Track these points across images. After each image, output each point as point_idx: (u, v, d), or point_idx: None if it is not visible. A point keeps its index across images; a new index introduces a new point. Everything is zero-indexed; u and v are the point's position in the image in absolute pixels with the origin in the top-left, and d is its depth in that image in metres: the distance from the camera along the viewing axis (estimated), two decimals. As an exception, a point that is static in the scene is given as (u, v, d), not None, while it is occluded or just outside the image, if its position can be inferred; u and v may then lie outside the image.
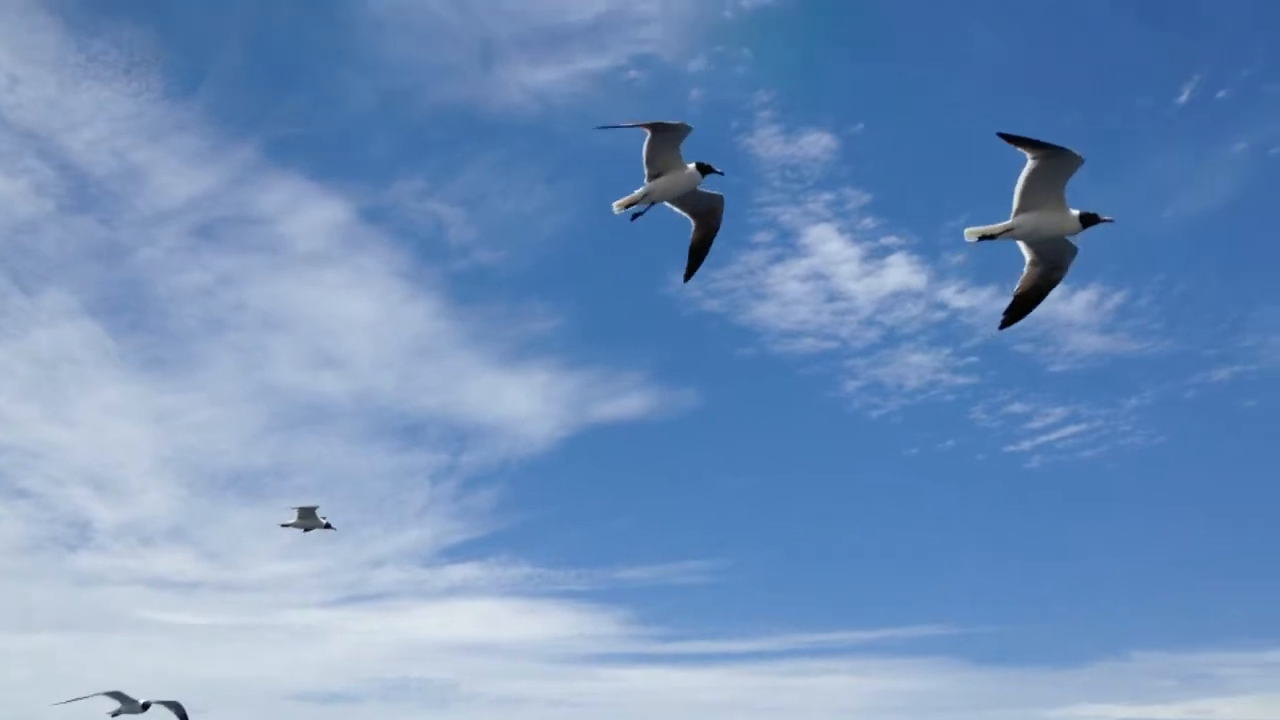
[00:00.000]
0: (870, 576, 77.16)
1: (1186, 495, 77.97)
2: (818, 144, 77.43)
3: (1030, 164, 13.85)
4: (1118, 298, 76.57)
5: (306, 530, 30.56)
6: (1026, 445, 77.27)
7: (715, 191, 15.76)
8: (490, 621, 78.22)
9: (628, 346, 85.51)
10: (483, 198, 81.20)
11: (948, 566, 76.41)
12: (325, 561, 79.15)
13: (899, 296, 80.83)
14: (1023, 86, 79.64)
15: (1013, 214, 14.27)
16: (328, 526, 30.17)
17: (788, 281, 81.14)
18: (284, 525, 30.38)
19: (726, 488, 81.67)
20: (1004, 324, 15.45)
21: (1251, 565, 74.09)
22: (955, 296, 79.22)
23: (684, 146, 15.00)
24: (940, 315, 79.19)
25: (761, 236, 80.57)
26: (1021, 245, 14.89)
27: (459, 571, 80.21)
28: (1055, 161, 13.70)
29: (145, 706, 29.73)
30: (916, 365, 79.60)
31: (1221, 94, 77.30)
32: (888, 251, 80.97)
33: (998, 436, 77.65)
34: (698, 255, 16.12)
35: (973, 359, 78.88)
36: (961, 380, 78.80)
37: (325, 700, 74.10)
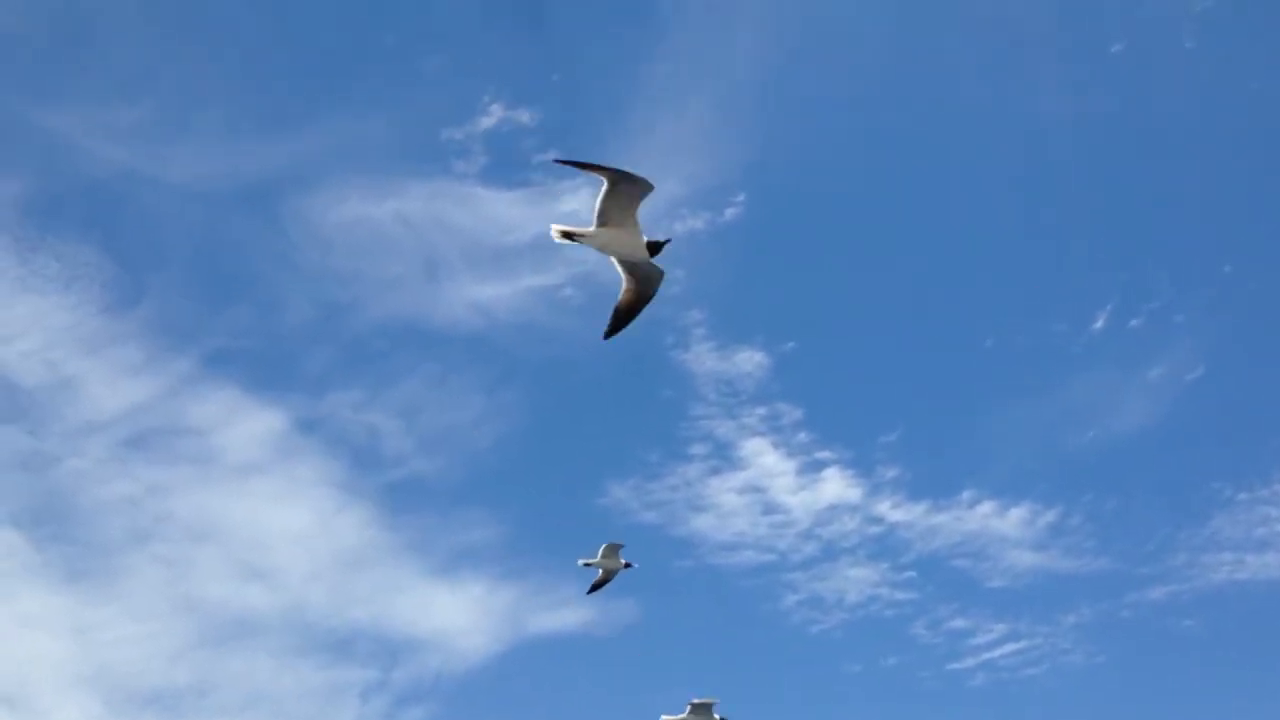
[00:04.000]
0: None
1: (1132, 715, 75.93)
2: (750, 360, 78.57)
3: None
4: (1050, 515, 76.41)
5: (606, 577, 29.23)
6: (970, 662, 74.91)
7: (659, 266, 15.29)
8: None
9: (565, 557, 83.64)
10: (420, 408, 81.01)
11: None
12: None
13: (835, 510, 79.97)
14: (942, 308, 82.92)
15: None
16: (628, 566, 29.37)
17: (725, 494, 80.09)
18: (585, 563, 29.21)
19: (666, 703, 78.72)
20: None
21: None
22: (890, 510, 78.45)
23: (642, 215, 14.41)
24: (877, 529, 78.30)
25: (698, 449, 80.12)
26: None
27: None
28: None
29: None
30: (856, 579, 77.91)
31: (1134, 322, 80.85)
32: (822, 465, 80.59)
33: (940, 653, 75.24)
34: (623, 319, 15.55)
35: (911, 573, 77.39)
36: (901, 595, 76.81)
37: None
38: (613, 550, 28.74)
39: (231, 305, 78.93)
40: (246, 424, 76.62)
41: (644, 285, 15.13)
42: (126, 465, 76.17)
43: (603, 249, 14.66)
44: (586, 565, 29.06)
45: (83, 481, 74.83)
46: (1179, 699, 79.48)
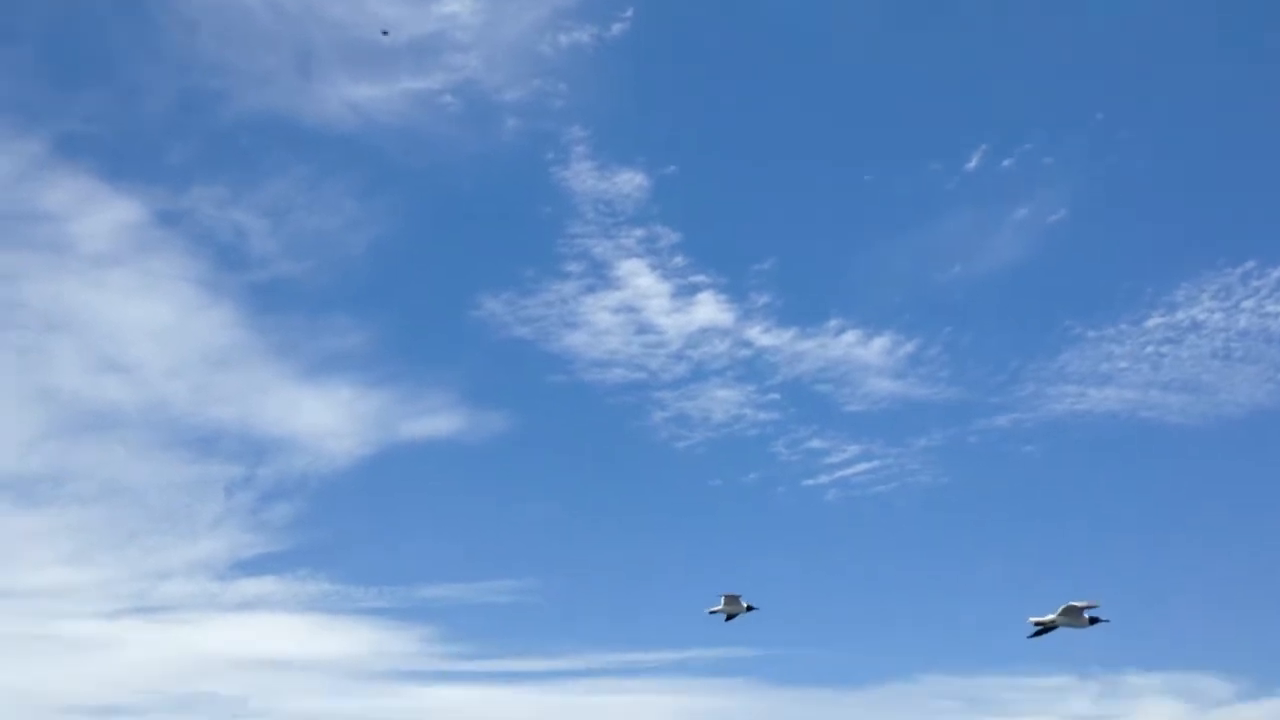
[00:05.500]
0: (674, 600, 77.73)
1: (971, 532, 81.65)
2: (631, 182, 79.71)
3: None
4: (910, 346, 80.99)
5: (729, 617, 33.14)
6: (824, 479, 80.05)
7: None
8: (286, 636, 74.71)
9: (436, 367, 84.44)
10: (288, 209, 79.24)
11: (751, 591, 77.07)
12: (106, 571, 74.31)
13: (707, 333, 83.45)
14: (823, 146, 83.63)
15: None
16: (750, 609, 32.76)
17: (599, 312, 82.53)
18: (713, 611, 32.62)
19: (534, 511, 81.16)
20: None
21: (1026, 599, 77.62)
22: (760, 335, 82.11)
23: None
24: (746, 353, 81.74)
25: (573, 267, 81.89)
26: None
27: (254, 585, 76.91)
28: None
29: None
30: (722, 399, 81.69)
31: (1006, 163, 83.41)
32: (696, 289, 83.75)
33: (797, 470, 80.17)
34: None
35: (775, 395, 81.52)
36: (764, 416, 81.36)
37: (103, 713, 69.07)
38: (733, 599, 32.55)
39: (87, 88, 73.29)
40: (102, 213, 72.47)
41: None
42: (-25, 248, 71.97)
43: None
44: (714, 613, 32.46)
45: (-71, 265, 70.68)
46: (1016, 517, 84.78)
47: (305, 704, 70.80)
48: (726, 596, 31.79)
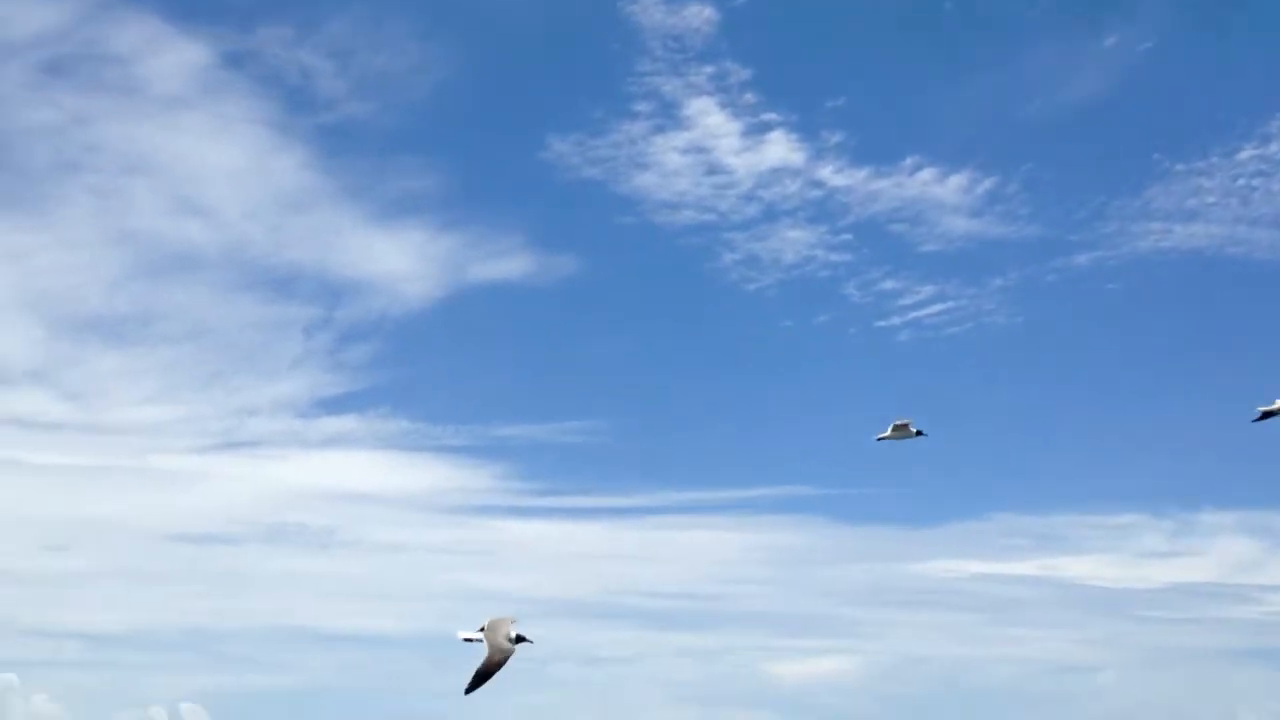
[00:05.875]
0: (743, 440, 79.13)
1: (1045, 372, 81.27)
2: (700, 15, 77.55)
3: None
4: (988, 183, 79.12)
5: (900, 437, 31.10)
6: (897, 321, 79.76)
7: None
8: (368, 472, 78.43)
9: (504, 210, 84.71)
10: (353, 50, 78.96)
11: (818, 432, 78.37)
12: (194, 409, 77.87)
13: (778, 173, 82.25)
14: None
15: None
16: (920, 434, 30.73)
17: (668, 153, 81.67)
18: (880, 438, 30.72)
19: (604, 353, 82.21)
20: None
21: (1101, 437, 77.89)
22: (833, 175, 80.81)
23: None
24: (817, 193, 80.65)
25: (642, 106, 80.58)
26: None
27: (335, 423, 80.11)
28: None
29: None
30: (793, 240, 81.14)
31: None
32: (767, 128, 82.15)
33: (869, 312, 79.88)
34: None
35: (847, 236, 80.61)
36: (836, 257, 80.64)
37: (198, 542, 73.46)
38: (903, 425, 30.38)
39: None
40: (170, 55, 72.31)
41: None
42: (47, 91, 72.68)
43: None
44: (882, 439, 30.24)
45: (3, 106, 71.51)
46: (1093, 358, 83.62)
47: (388, 535, 73.99)
48: (896, 424, 30.70)
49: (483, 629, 21.33)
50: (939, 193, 74.57)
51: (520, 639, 20.92)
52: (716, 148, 76.51)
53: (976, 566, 69.24)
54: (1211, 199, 75.92)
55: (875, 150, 76.44)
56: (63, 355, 70.66)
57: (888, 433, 31.01)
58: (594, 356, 78.60)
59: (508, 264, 76.53)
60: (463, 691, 20.85)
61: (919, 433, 31.03)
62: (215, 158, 73.86)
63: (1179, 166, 75.13)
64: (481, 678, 20.75)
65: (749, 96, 75.77)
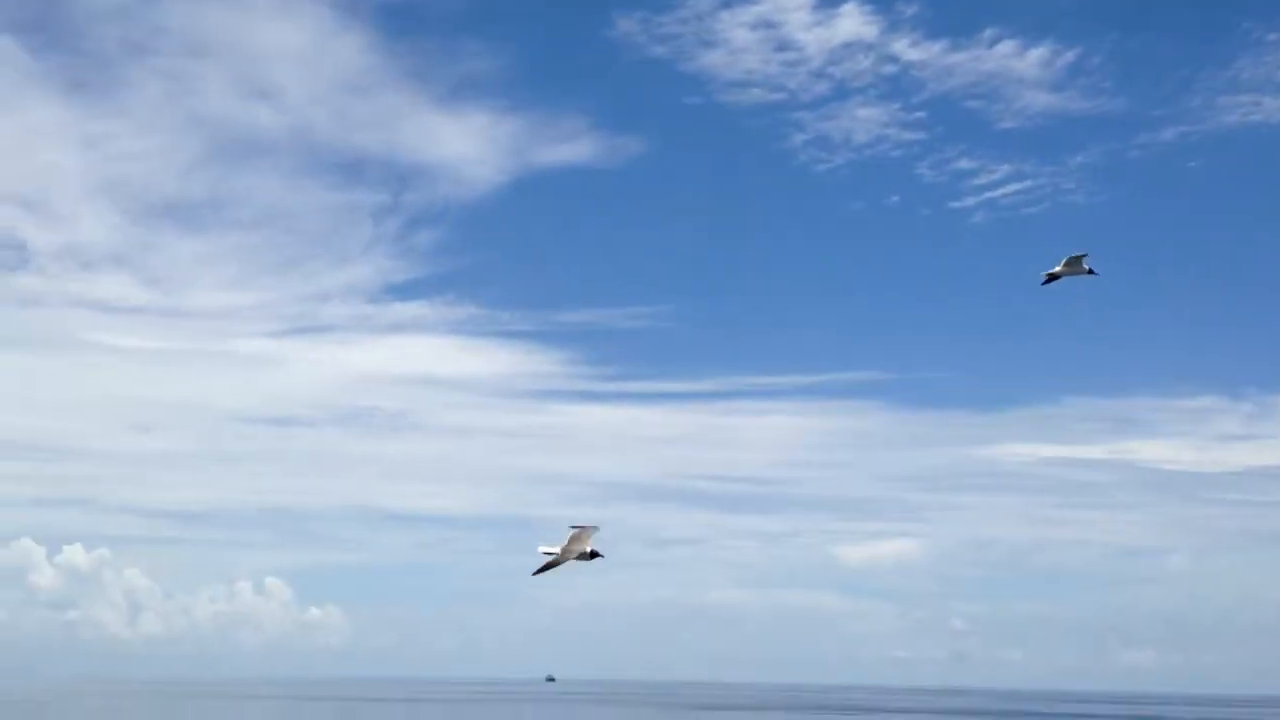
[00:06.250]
0: (812, 324, 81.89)
1: (1123, 252, 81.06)
2: None
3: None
4: (1070, 55, 78.43)
5: (1072, 273, 29.21)
6: (971, 201, 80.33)
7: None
8: (437, 357, 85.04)
9: (569, 92, 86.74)
10: None
11: (888, 316, 79.87)
12: (268, 295, 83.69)
13: (850, 48, 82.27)
14: None
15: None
16: (1091, 273, 28.62)
17: (736, 29, 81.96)
18: (1048, 275, 28.80)
19: (670, 236, 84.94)
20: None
21: (1181, 319, 78.21)
22: (907, 49, 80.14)
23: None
24: (891, 68, 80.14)
25: None
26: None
27: (405, 309, 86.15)
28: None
29: None
30: (864, 119, 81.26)
31: None
32: (839, 0, 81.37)
33: (942, 192, 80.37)
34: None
35: (921, 114, 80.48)
36: (909, 135, 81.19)
37: (277, 424, 79.65)
38: (1075, 259, 28.01)
39: None
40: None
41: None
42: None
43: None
44: (1050, 276, 28.26)
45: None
46: (1176, 237, 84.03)
47: (457, 419, 77.14)
48: (1069, 258, 28.76)
49: (573, 538, 21.42)
50: (1018, 66, 72.54)
51: (595, 554, 21.12)
52: (786, 22, 75.11)
53: (1047, 450, 69.28)
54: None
55: (952, 22, 74.21)
56: (141, 241, 73.11)
57: (1059, 268, 29.17)
58: (660, 240, 78.98)
59: (573, 147, 76.63)
60: (530, 573, 21.11)
61: (1090, 271, 29.13)
62: (279, 39, 74.87)
63: (1271, 35, 72.01)
64: (548, 568, 21.03)
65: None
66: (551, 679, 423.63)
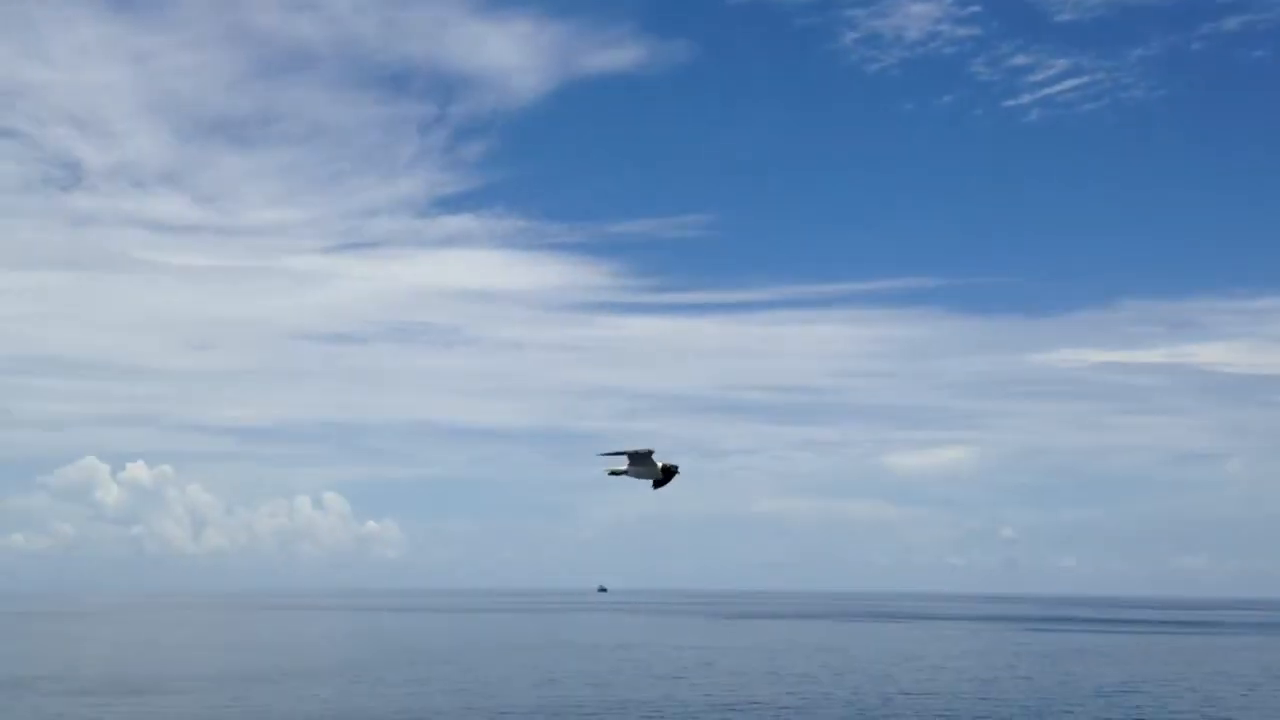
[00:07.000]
0: (863, 230, 79.57)
1: (1183, 149, 77.65)
2: None
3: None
4: None
5: None
6: (1026, 99, 77.01)
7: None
8: (487, 271, 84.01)
9: None
10: None
11: (941, 220, 77.23)
12: (318, 210, 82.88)
13: None
14: None
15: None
16: None
17: None
18: None
19: (719, 143, 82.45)
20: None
21: (1242, 217, 74.90)
22: None
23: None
24: None
25: None
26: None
27: (453, 222, 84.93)
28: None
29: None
30: (917, 15, 77.81)
31: None
32: None
33: (997, 90, 77.00)
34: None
35: (975, 8, 77.11)
36: (963, 31, 77.34)
37: (331, 340, 79.71)
38: None
39: None
40: None
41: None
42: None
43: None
44: None
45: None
46: (1239, 133, 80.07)
47: (509, 333, 76.82)
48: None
49: (631, 460, 21.09)
50: (1078, -46, 68.70)
51: (670, 472, 21.39)
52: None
53: (1101, 355, 67.43)
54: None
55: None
56: (192, 158, 72.77)
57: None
58: (708, 147, 76.93)
59: (618, 53, 74.43)
60: (605, 472, 21.52)
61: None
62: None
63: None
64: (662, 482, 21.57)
65: None
66: (604, 589, 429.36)
